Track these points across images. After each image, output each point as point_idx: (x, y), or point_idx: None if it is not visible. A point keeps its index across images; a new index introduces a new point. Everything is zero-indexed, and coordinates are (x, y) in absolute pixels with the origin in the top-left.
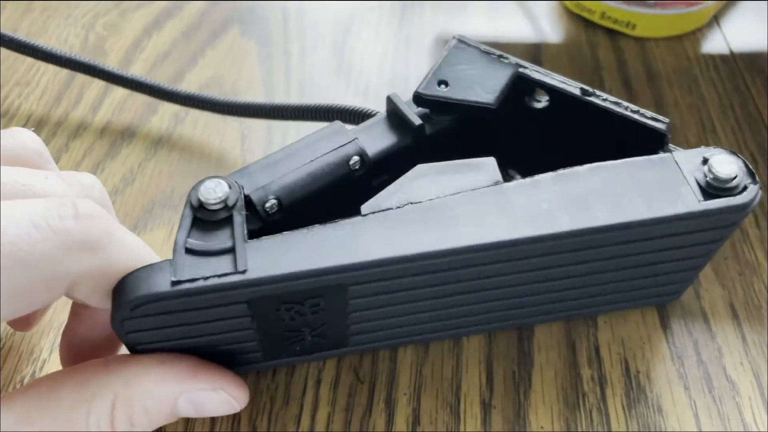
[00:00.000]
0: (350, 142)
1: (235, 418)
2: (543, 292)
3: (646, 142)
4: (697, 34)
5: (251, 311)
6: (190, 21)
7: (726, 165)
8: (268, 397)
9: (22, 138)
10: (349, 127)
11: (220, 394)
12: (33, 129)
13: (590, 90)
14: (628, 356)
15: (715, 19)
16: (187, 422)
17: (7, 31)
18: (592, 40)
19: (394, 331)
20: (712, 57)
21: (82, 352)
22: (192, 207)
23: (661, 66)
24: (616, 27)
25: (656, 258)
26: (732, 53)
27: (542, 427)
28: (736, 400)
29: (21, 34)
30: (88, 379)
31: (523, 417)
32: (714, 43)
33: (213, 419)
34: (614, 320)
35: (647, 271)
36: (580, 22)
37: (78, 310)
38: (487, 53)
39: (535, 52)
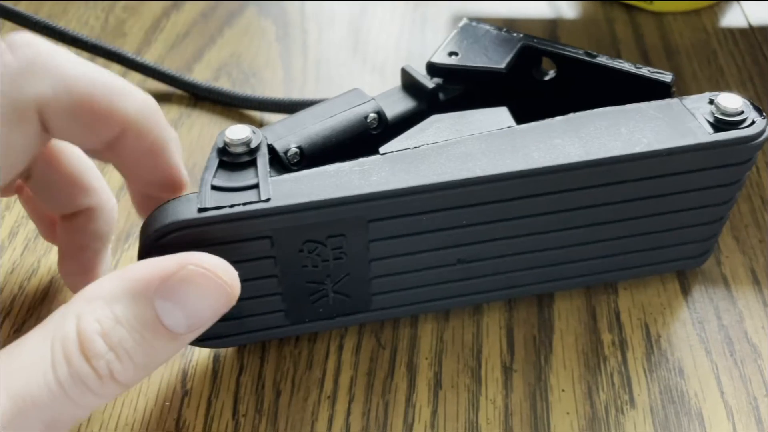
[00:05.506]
0: (368, 101)
1: (260, 382)
2: (562, 245)
3: (653, 96)
4: (715, 8)
5: (275, 251)
6: (207, 2)
7: (732, 101)
8: (292, 362)
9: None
10: None
11: (197, 274)
12: None
13: (594, 53)
14: (648, 321)
15: None
16: (212, 386)
17: (31, 13)
18: (610, 16)
19: (415, 292)
20: (731, 30)
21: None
22: (218, 150)
23: (679, 40)
24: (633, 2)
25: (674, 203)
26: (751, 26)
27: (563, 390)
28: (758, 362)
29: (42, 17)
30: (51, 317)
31: (544, 380)
32: (733, 17)
33: (237, 383)
34: (634, 287)
35: (666, 221)
36: None
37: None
38: (496, 30)
39: (552, 29)
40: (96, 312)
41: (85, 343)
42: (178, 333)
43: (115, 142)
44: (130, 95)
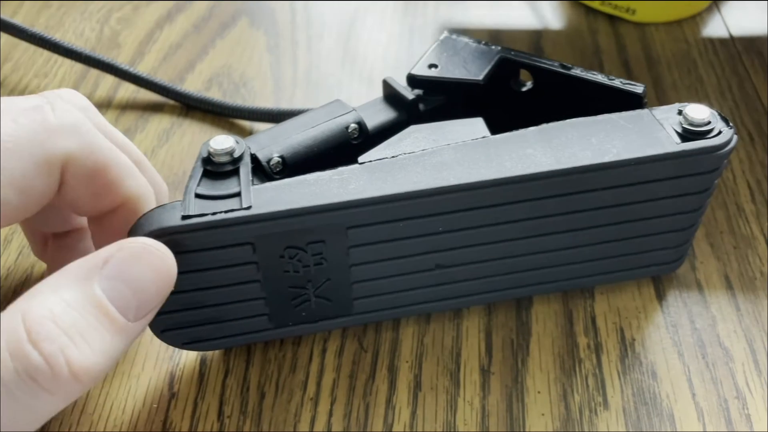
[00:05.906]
0: (349, 112)
1: (245, 384)
2: (537, 251)
3: (626, 107)
4: (696, 19)
5: (257, 257)
6: (200, 14)
7: (699, 112)
8: (276, 365)
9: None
10: None
11: (136, 247)
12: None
13: (569, 65)
14: (623, 325)
15: (715, 4)
16: (198, 388)
17: (27, 25)
18: (593, 27)
19: (396, 297)
20: (711, 41)
21: None
22: (203, 160)
23: (661, 50)
24: (616, 13)
25: (645, 211)
26: (731, 37)
27: (539, 392)
28: (729, 365)
29: (39, 28)
30: None
31: (520, 382)
32: (713, 27)
33: (223, 385)
34: (611, 292)
35: (638, 228)
36: (581, 8)
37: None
38: (475, 43)
39: (537, 39)
40: (45, 302)
41: (35, 328)
42: (129, 312)
43: (108, 214)
44: (135, 175)
